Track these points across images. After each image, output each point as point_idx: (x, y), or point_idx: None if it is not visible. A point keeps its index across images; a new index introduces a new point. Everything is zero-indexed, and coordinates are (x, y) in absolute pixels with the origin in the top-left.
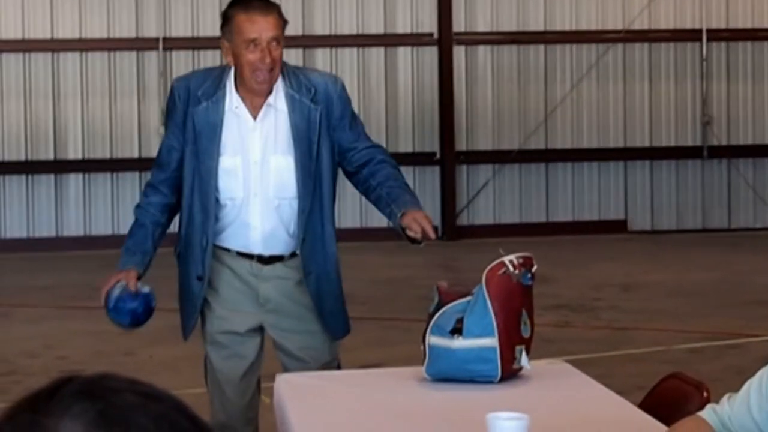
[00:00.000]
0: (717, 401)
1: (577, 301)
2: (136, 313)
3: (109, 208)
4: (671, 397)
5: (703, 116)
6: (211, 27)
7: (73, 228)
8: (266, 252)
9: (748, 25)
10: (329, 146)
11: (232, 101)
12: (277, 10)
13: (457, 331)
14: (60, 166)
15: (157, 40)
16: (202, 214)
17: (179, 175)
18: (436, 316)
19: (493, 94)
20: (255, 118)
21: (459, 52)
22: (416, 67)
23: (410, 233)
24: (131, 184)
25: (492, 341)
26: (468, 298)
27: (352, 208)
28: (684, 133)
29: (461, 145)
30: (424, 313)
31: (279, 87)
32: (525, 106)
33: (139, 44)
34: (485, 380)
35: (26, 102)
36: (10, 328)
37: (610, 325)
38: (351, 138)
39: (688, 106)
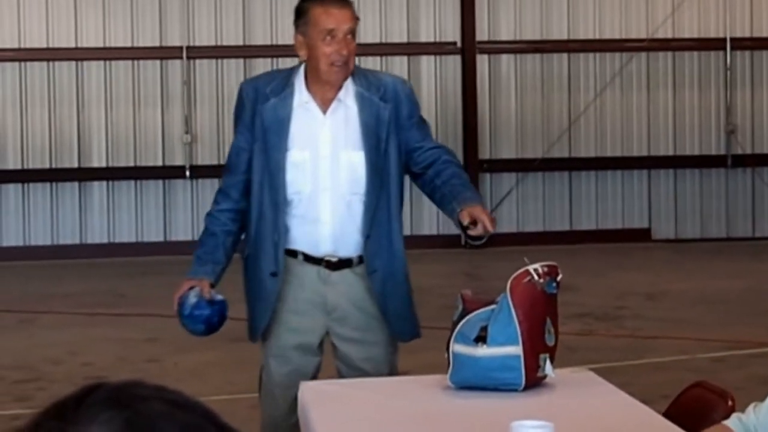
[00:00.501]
0: (742, 410)
1: (601, 310)
2: (211, 322)
3: (133, 215)
4: (696, 406)
5: (727, 125)
6: (234, 36)
7: (97, 235)
8: (336, 252)
9: None
10: (397, 144)
11: (302, 97)
12: (351, 5)
13: (481, 339)
14: (84, 174)
15: (180, 48)
16: (272, 210)
17: (249, 178)
18: (461, 324)
19: (517, 103)
20: (324, 113)
21: (482, 61)
22: (439, 76)
23: (470, 232)
24: (155, 192)
25: (516, 349)
26: (492, 306)
27: None
28: (708, 141)
29: (484, 153)
30: (448, 321)
31: (349, 85)
32: (548, 115)
33: (163, 53)
34: (509, 388)
35: (51, 110)
36: (35, 335)
37: (634, 334)
38: (418, 137)
39: (712, 115)
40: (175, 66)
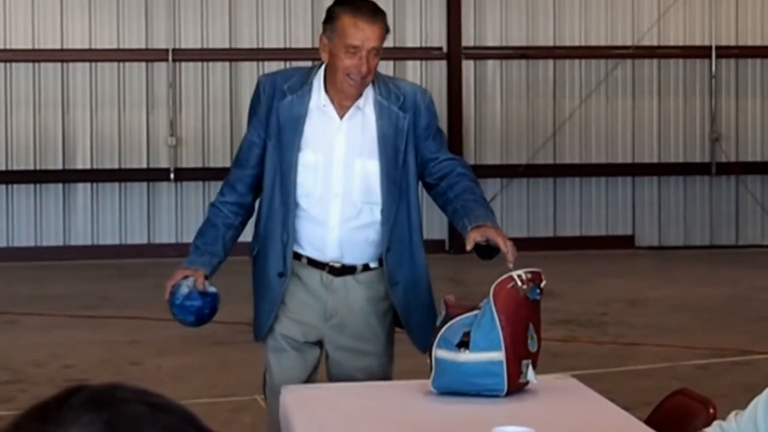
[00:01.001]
0: (724, 418)
1: (584, 316)
2: (202, 313)
3: (117, 217)
4: (678, 413)
5: (712, 133)
6: (221, 38)
7: (81, 237)
8: (341, 259)
9: (758, 42)
10: (414, 155)
11: (320, 98)
12: (383, 19)
13: (463, 344)
14: (68, 176)
15: (166, 51)
16: (282, 209)
17: (258, 173)
18: (443, 329)
19: (502, 109)
20: (341, 118)
21: (468, 67)
22: (425, 81)
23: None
24: (139, 195)
25: (499, 355)
26: (475, 312)
27: None
28: (692, 149)
29: (469, 158)
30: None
31: (368, 93)
32: (533, 121)
33: (149, 55)
34: (491, 394)
35: (35, 111)
36: (18, 337)
37: (617, 341)
38: (434, 148)
39: (696, 123)
40: (161, 68)
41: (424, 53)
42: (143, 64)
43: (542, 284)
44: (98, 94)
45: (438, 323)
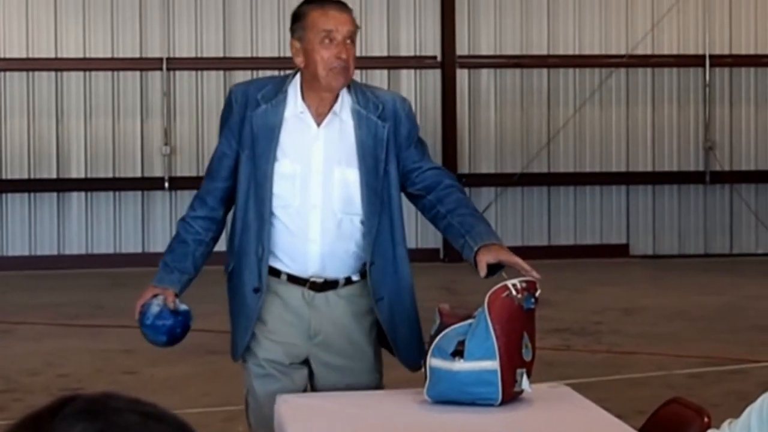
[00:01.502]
0: (717, 427)
1: (578, 325)
2: (174, 332)
3: (111, 227)
4: (672, 422)
5: (706, 141)
6: (215, 47)
7: (75, 246)
8: (323, 273)
9: (751, 51)
10: (396, 164)
11: (297, 106)
12: (351, 12)
13: (458, 353)
14: (63, 185)
15: (160, 60)
16: (257, 222)
17: (229, 186)
18: (438, 338)
19: (496, 118)
20: (319, 125)
21: (462, 75)
22: (419, 90)
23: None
24: (133, 204)
25: (493, 364)
26: (470, 320)
27: None
28: (687, 158)
29: (464, 167)
30: (426, 335)
31: (345, 100)
32: (528, 130)
33: (143, 64)
34: (486, 403)
35: (30, 120)
36: (12, 346)
37: (611, 349)
38: (416, 157)
39: (690, 132)
40: (155, 77)
41: (418, 62)
42: (137, 73)
43: (537, 293)
44: (92, 103)
45: (432, 332)
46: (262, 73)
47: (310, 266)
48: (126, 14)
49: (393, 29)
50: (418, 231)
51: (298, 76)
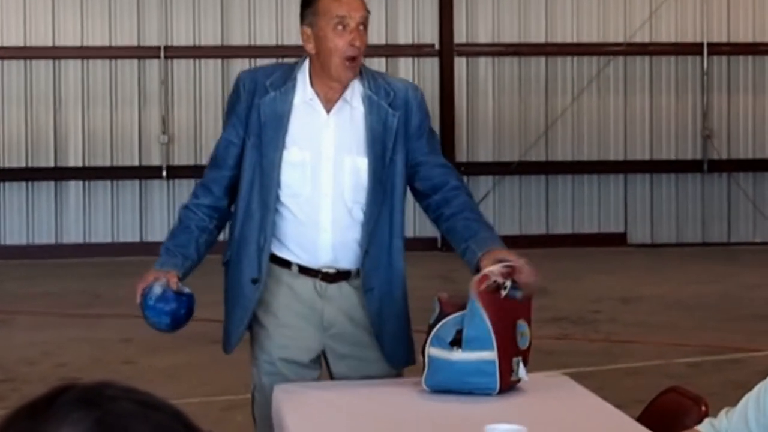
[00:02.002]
0: (715, 415)
1: (576, 314)
2: (177, 315)
3: (109, 215)
4: (669, 411)
5: (704, 130)
6: (213, 36)
7: (73, 235)
8: (334, 263)
9: (749, 39)
10: (404, 155)
11: (306, 93)
12: None
13: (456, 342)
14: (60, 174)
15: (158, 48)
16: (261, 211)
17: (235, 174)
18: (437, 327)
19: (494, 106)
20: (328, 112)
21: (460, 64)
22: (417, 78)
23: (517, 279)
24: (131, 192)
25: (491, 354)
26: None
27: None
28: (684, 146)
29: (461, 156)
30: (425, 324)
31: (356, 86)
32: (525, 118)
33: (141, 52)
34: (484, 393)
35: (27, 109)
36: (10, 335)
37: (609, 338)
38: (425, 150)
39: (688, 120)
40: (153, 66)
41: (416, 50)
42: (135, 61)
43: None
44: (90, 92)
45: (431, 321)
46: (260, 62)
47: (321, 256)
48: (124, 2)
49: (391, 17)
50: (415, 220)
51: (306, 63)
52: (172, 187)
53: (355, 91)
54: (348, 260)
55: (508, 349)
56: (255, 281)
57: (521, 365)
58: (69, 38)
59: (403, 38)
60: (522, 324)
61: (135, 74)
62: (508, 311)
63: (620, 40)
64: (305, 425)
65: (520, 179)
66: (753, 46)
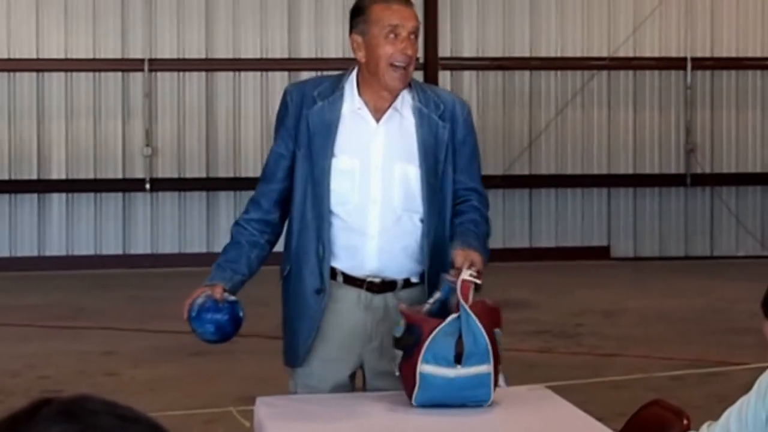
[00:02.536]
0: (697, 429)
1: (559, 327)
2: (220, 323)
3: (92, 228)
4: (652, 424)
5: (687, 144)
6: (197, 49)
7: (56, 248)
8: (380, 272)
9: (733, 54)
10: (453, 167)
11: (354, 102)
12: (413, 5)
13: (457, 358)
14: (43, 186)
15: (142, 61)
16: (316, 221)
17: (285, 188)
18: (427, 343)
19: (478, 120)
20: (378, 121)
21: (444, 77)
22: None
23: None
24: (114, 205)
25: (488, 367)
26: (449, 320)
27: None
28: (668, 160)
29: None
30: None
31: (406, 97)
32: (509, 132)
33: (125, 65)
34: (477, 404)
35: (10, 121)
36: None
37: (592, 351)
38: (461, 166)
39: (672, 134)
40: (137, 78)
41: None
42: (119, 74)
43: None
44: (74, 104)
45: (398, 334)
46: (244, 75)
47: (367, 264)
48: (108, 15)
49: None
50: None
51: (354, 73)
52: (155, 199)
53: (405, 102)
54: (394, 269)
55: (497, 359)
56: (319, 291)
57: (501, 372)
58: (53, 50)
59: None
60: (498, 331)
61: (119, 87)
62: (490, 320)
63: (604, 54)
64: None
65: (503, 193)
66: (736, 61)
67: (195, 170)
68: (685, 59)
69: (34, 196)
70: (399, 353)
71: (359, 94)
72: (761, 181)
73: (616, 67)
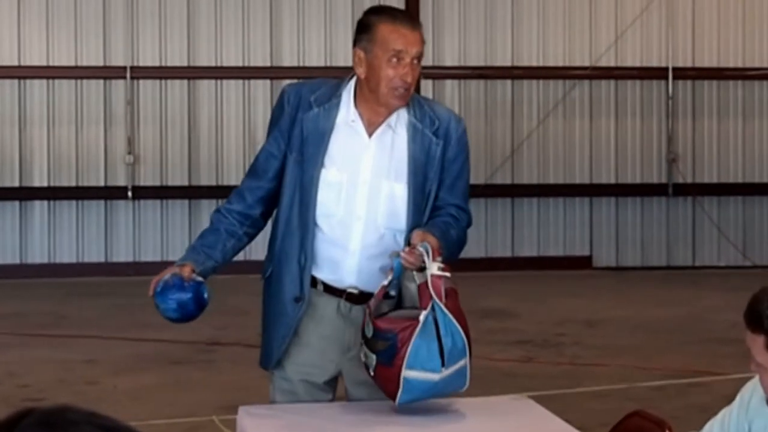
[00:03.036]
0: None
1: (541, 337)
2: (182, 301)
3: (74, 236)
4: None
5: (669, 154)
6: (179, 56)
7: (38, 255)
8: (359, 285)
9: (714, 64)
10: (438, 185)
11: (349, 113)
12: (421, 28)
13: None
14: (25, 193)
15: (124, 68)
16: (301, 229)
17: (273, 187)
18: (409, 349)
19: None
20: (370, 136)
21: (426, 86)
22: None
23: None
24: (96, 213)
25: (466, 359)
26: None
27: None
28: (650, 170)
29: None
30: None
31: (401, 113)
32: (491, 141)
33: (107, 72)
34: (454, 391)
35: None
36: None
37: (574, 361)
38: (447, 184)
39: (653, 144)
40: (119, 86)
41: None
42: (101, 81)
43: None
44: (56, 112)
45: (369, 334)
46: (227, 83)
47: (346, 278)
48: (90, 22)
49: None
50: None
51: (352, 82)
52: (137, 207)
53: (400, 117)
54: (373, 285)
55: (471, 346)
56: (297, 300)
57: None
58: (34, 58)
59: None
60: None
61: (101, 94)
62: (456, 307)
63: (586, 63)
64: None
65: (485, 202)
66: (717, 71)
67: (177, 178)
68: (666, 69)
69: (16, 203)
70: (372, 356)
71: (355, 105)
72: (743, 191)
73: (597, 76)
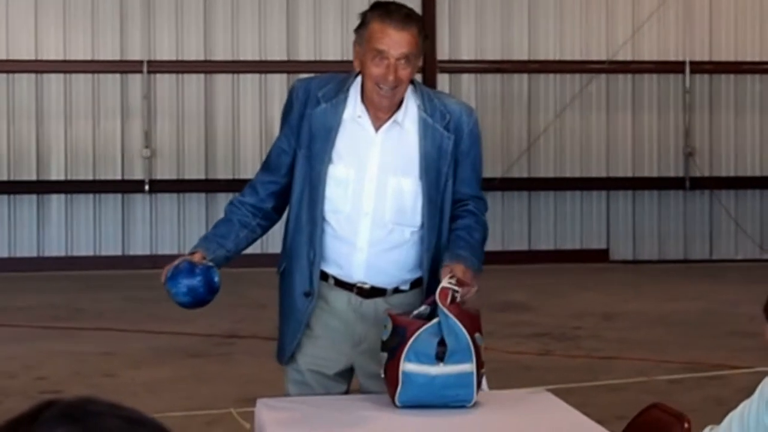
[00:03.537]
0: None
1: (558, 330)
2: (193, 285)
3: (91, 229)
4: (652, 428)
5: (686, 147)
6: (195, 50)
7: (55, 248)
8: (368, 281)
9: (731, 58)
10: (453, 179)
11: (356, 109)
12: (416, 25)
13: (439, 356)
14: (42, 187)
15: (141, 62)
16: (309, 226)
17: (285, 182)
18: (410, 342)
19: None
20: (377, 130)
21: (443, 80)
22: None
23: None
24: (113, 206)
25: (471, 366)
26: (433, 321)
27: None
28: (666, 163)
29: None
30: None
31: (410, 107)
32: (508, 135)
33: (123, 66)
34: (459, 405)
35: (9, 122)
36: None
37: (591, 354)
38: (462, 177)
39: (670, 137)
40: (136, 80)
41: None
42: (118, 75)
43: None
44: (72, 106)
45: (385, 337)
46: (242, 77)
47: (354, 274)
48: (106, 16)
49: None
50: None
51: (359, 77)
52: (154, 200)
53: (409, 111)
54: (383, 280)
55: (480, 362)
56: (307, 294)
57: (484, 377)
58: (51, 52)
59: None
60: (479, 337)
61: (117, 88)
62: (470, 323)
63: (603, 58)
64: None
65: (502, 195)
66: (735, 65)
67: (194, 171)
68: (683, 63)
69: (33, 197)
70: (384, 355)
71: (362, 101)
72: (760, 184)
73: (614, 70)
